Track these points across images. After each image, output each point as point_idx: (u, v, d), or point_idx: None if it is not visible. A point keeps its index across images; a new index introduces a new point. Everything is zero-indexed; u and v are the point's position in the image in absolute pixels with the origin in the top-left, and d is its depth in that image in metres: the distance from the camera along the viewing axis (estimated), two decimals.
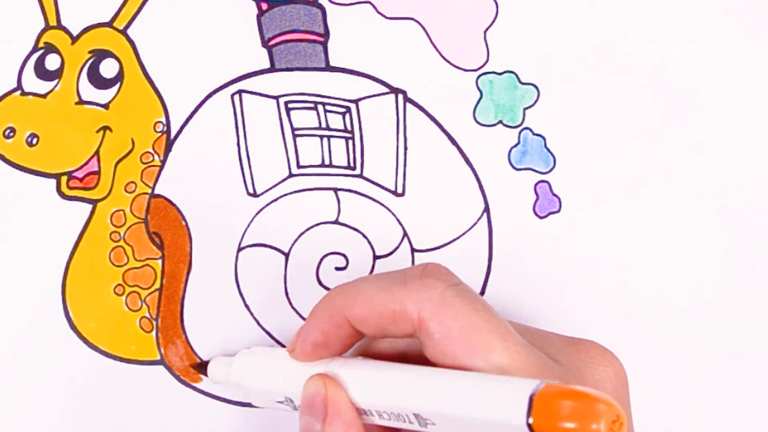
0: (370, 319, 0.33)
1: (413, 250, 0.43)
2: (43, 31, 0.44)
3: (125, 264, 0.43)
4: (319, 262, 0.43)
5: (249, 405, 0.43)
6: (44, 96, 0.44)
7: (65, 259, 0.43)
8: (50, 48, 0.44)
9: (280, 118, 0.44)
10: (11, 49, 0.44)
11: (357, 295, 0.34)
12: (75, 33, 0.44)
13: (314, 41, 0.44)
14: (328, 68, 0.44)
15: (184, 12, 0.44)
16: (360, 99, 0.44)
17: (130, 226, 0.43)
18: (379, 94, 0.44)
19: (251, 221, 0.43)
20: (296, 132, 0.44)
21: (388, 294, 0.33)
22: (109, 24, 0.44)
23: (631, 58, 0.44)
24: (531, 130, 0.44)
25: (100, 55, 0.44)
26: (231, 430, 0.43)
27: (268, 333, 0.43)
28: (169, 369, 0.43)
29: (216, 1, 0.45)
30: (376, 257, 0.43)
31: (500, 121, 0.44)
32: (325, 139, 0.44)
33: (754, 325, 0.44)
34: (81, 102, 0.44)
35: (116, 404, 0.43)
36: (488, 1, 0.45)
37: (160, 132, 0.44)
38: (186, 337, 0.43)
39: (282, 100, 0.44)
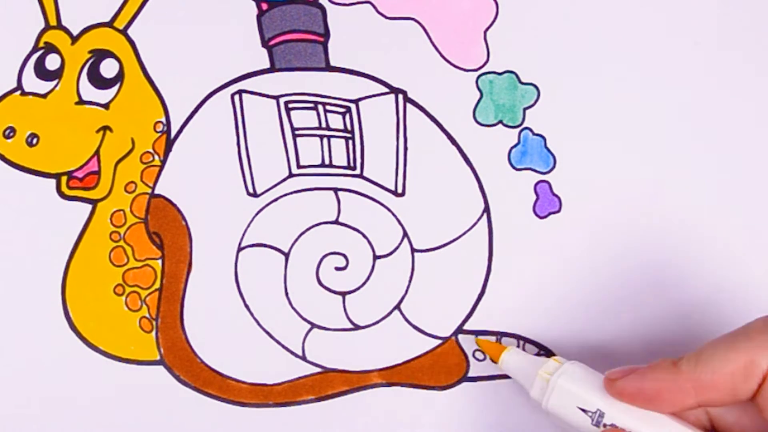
0: (719, 383, 0.34)
1: (413, 250, 0.43)
2: (43, 31, 0.44)
3: (125, 264, 0.43)
4: (319, 262, 0.43)
5: (247, 405, 0.43)
6: (44, 96, 0.44)
7: (65, 259, 0.43)
8: (50, 48, 0.44)
9: (280, 118, 0.44)
10: (11, 49, 0.44)
11: (705, 362, 0.35)
12: (75, 33, 0.44)
13: (314, 41, 0.44)
14: (328, 68, 0.44)
15: (184, 12, 0.44)
16: (360, 99, 0.44)
17: (130, 226, 0.43)
18: (379, 94, 0.44)
19: (251, 221, 0.43)
20: (296, 132, 0.44)
21: (734, 352, 0.34)
22: (109, 24, 0.44)
23: (632, 58, 0.44)
24: (531, 130, 0.44)
25: (100, 55, 0.44)
26: (231, 430, 0.43)
27: (268, 333, 0.43)
28: (169, 369, 0.43)
29: (216, 1, 0.45)
30: (376, 257, 0.43)
31: (500, 121, 0.44)
32: (325, 139, 0.44)
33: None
34: (81, 102, 0.44)
35: (116, 404, 0.43)
36: (488, 1, 0.45)
37: (161, 132, 0.44)
38: (186, 337, 0.43)
39: (282, 100, 0.44)
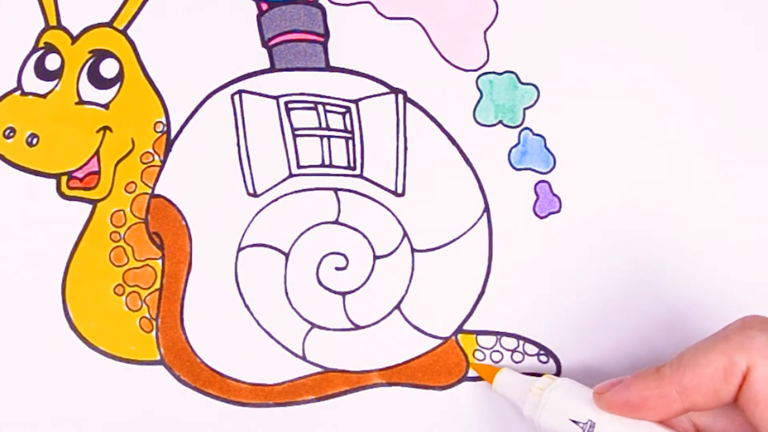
0: (701, 385, 0.34)
1: (413, 250, 0.43)
2: (43, 31, 0.44)
3: (125, 264, 0.43)
4: (319, 262, 0.43)
5: (247, 405, 0.43)
6: (44, 96, 0.44)
7: (65, 259, 0.43)
8: (50, 48, 0.44)
9: (280, 118, 0.44)
10: (11, 49, 0.44)
11: (686, 365, 0.35)
12: (75, 33, 0.44)
13: (314, 41, 0.44)
14: (328, 68, 0.44)
15: (184, 12, 0.44)
16: (360, 99, 0.44)
17: (130, 226, 0.43)
18: (379, 94, 0.44)
19: (251, 221, 0.43)
20: (296, 132, 0.44)
21: (714, 353, 0.34)
22: (109, 24, 0.44)
23: (632, 57, 0.44)
24: (531, 130, 0.44)
25: (100, 55, 0.44)
26: (231, 430, 0.43)
27: (268, 333, 0.43)
28: (169, 369, 0.43)
29: (216, 1, 0.45)
30: (376, 257, 0.43)
31: (500, 121, 0.44)
32: (325, 139, 0.44)
33: None
34: (81, 102, 0.44)
35: (116, 404, 0.43)
36: (488, 1, 0.45)
37: (160, 132, 0.44)
38: (186, 337, 0.43)
39: (282, 100, 0.44)
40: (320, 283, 0.43)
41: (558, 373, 0.43)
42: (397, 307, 0.43)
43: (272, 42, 0.44)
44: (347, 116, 0.44)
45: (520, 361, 0.43)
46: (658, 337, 0.44)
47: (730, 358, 0.34)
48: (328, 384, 0.43)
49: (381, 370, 0.43)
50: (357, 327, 0.43)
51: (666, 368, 0.35)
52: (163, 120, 0.44)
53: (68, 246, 0.43)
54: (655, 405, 0.35)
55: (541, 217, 0.44)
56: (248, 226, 0.43)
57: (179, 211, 0.43)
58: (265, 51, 0.44)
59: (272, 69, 0.44)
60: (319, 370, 0.43)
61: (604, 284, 0.44)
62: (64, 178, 0.44)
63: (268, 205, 0.44)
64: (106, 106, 0.44)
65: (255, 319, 0.43)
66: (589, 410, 0.37)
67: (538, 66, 0.44)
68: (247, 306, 0.43)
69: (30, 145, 0.44)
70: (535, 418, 0.38)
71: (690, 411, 0.36)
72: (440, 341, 0.43)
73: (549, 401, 0.38)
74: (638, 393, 0.36)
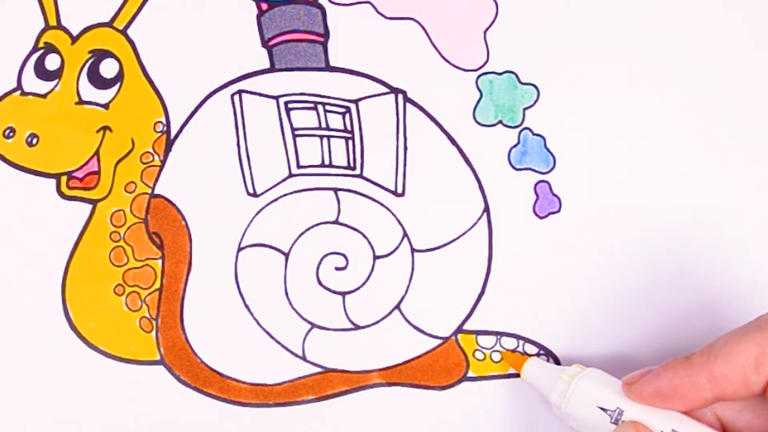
0: (732, 374, 0.34)
1: (413, 250, 0.43)
2: (43, 31, 0.44)
3: (125, 264, 0.43)
4: (319, 262, 0.43)
5: (247, 405, 0.43)
6: (44, 96, 0.44)
7: (65, 259, 0.43)
8: (50, 48, 0.44)
9: (280, 118, 0.44)
10: (11, 49, 0.44)
11: (717, 353, 0.35)
12: (75, 33, 0.44)
13: (314, 41, 0.44)
14: (328, 68, 0.44)
15: (184, 12, 0.44)
16: (360, 99, 0.44)
17: (130, 226, 0.43)
18: (379, 94, 0.44)
19: (251, 221, 0.43)
20: (296, 132, 0.44)
21: (746, 342, 0.34)
22: (109, 24, 0.44)
23: (631, 57, 0.44)
24: (531, 130, 0.44)
25: (100, 55, 0.44)
26: (231, 430, 0.43)
27: (268, 333, 0.43)
28: (169, 369, 0.43)
29: (216, 1, 0.45)
30: (376, 257, 0.43)
31: (500, 121, 0.44)
32: (325, 139, 0.44)
33: None
34: (81, 102, 0.44)
35: (116, 404, 0.43)
36: (488, 1, 0.45)
37: (160, 132, 0.44)
38: (186, 337, 0.43)
39: (282, 100, 0.44)
40: (320, 283, 0.43)
41: None
42: (397, 307, 0.43)
43: (272, 42, 0.44)
44: (347, 116, 0.44)
45: None
46: (658, 336, 0.44)
47: (761, 348, 0.34)
48: (328, 384, 0.43)
49: (381, 370, 0.43)
50: (357, 327, 0.43)
51: (696, 357, 0.35)
52: (163, 120, 0.44)
53: (68, 246, 0.43)
54: (685, 394, 0.35)
55: (541, 217, 0.44)
56: (248, 226, 0.43)
57: (179, 211, 0.43)
58: (265, 51, 0.44)
59: (272, 69, 0.44)
60: (319, 370, 0.43)
61: (603, 284, 0.44)
62: (63, 178, 0.44)
63: (268, 205, 0.44)
64: (105, 106, 0.44)
65: (255, 319, 0.43)
66: (618, 398, 0.37)
67: (538, 66, 0.44)
68: (247, 306, 0.43)
69: (30, 145, 0.44)
70: (563, 404, 0.39)
71: (719, 401, 0.36)
72: (440, 341, 0.43)
73: (578, 388, 0.38)
74: (669, 382, 0.36)
